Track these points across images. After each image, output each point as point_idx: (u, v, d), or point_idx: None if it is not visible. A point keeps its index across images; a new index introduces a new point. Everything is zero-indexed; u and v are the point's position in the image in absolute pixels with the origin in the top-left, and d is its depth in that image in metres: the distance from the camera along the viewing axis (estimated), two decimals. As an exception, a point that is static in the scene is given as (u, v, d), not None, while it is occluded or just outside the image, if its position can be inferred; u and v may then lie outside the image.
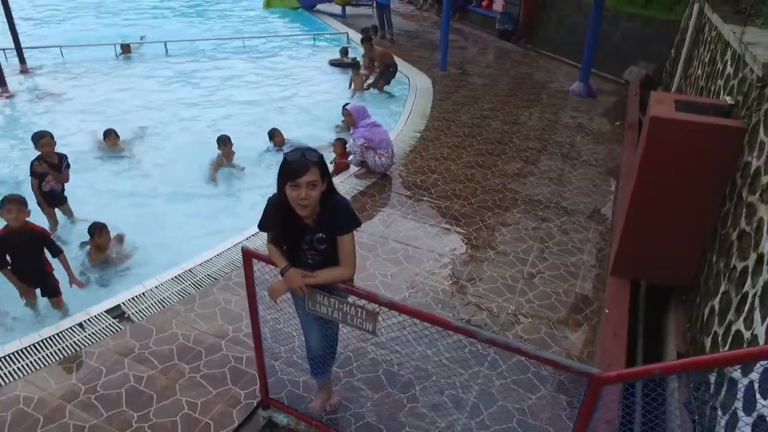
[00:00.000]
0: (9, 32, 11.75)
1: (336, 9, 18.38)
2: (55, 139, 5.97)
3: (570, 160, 7.65)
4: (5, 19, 11.65)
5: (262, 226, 2.91)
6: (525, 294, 4.85)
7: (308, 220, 2.78)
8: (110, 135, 8.15)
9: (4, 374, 3.87)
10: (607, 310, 4.41)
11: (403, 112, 9.41)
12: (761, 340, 2.83)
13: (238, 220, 6.16)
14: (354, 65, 11.49)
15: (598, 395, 2.31)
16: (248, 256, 3.07)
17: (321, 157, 2.65)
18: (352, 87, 11.01)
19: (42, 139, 5.81)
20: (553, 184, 6.88)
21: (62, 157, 6.05)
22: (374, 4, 16.31)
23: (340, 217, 2.78)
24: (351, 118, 6.81)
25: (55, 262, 4.93)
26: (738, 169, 4.00)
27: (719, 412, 3.08)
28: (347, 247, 2.81)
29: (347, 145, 7.20)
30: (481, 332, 2.49)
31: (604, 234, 5.81)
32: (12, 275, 4.67)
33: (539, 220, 6.06)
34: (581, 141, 8.33)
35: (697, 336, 3.95)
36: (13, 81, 11.01)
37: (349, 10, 18.20)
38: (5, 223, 4.53)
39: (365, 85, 11.07)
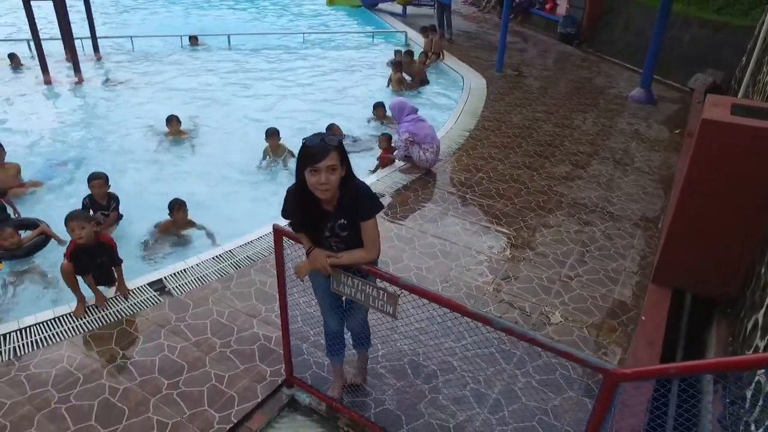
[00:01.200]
0: (87, 22, 12.48)
1: (397, 8, 18.47)
2: (109, 182, 5.94)
3: (622, 166, 7.41)
4: (84, 10, 12.37)
5: (284, 214, 2.96)
6: (560, 296, 4.75)
7: (329, 207, 2.81)
8: (172, 121, 8.49)
9: (53, 335, 4.12)
10: (643, 318, 4.26)
11: (455, 110, 9.38)
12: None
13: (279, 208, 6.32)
14: (395, 63, 11.50)
15: (613, 392, 2.25)
16: (279, 234, 3.16)
17: (340, 141, 2.66)
18: (391, 86, 11.08)
19: (94, 180, 5.80)
20: (601, 189, 6.70)
21: (112, 198, 6.01)
22: (435, 4, 16.31)
23: (361, 202, 2.79)
24: (381, 111, 6.91)
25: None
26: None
27: (753, 428, 2.94)
28: (370, 232, 2.83)
29: (393, 140, 7.24)
30: (497, 320, 2.47)
31: (650, 242, 5.61)
32: (92, 281, 4.49)
33: (582, 223, 5.91)
34: (636, 147, 8.06)
35: (738, 350, 3.76)
36: (86, 68, 11.65)
37: (410, 9, 18.26)
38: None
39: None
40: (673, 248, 4.48)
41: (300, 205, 2.83)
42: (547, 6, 17.02)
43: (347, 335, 3.56)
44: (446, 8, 14.91)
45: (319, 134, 2.66)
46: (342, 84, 11.57)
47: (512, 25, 16.71)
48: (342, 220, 2.85)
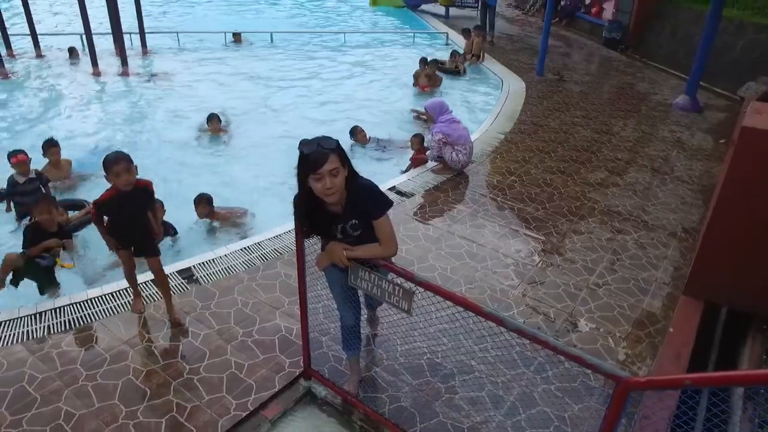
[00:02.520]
0: (136, 17, 12.90)
1: (440, 9, 18.44)
2: (164, 208, 5.67)
3: (660, 174, 7.21)
4: (134, 5, 12.79)
5: (296, 222, 3.01)
6: (587, 303, 4.65)
7: (337, 209, 2.81)
8: (213, 120, 8.63)
9: (86, 315, 4.28)
10: (671, 330, 4.13)
11: (491, 112, 9.30)
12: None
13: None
14: (423, 61, 11.45)
15: (625, 399, 2.20)
16: (300, 229, 3.19)
17: (337, 142, 2.64)
18: (418, 84, 11.05)
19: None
20: (636, 197, 6.53)
21: (168, 227, 5.74)
22: (479, 4, 16.19)
23: (370, 201, 2.79)
24: (360, 135, 6.99)
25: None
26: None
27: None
28: (385, 229, 2.83)
29: (426, 141, 7.22)
30: (510, 321, 2.44)
31: (686, 253, 5.44)
32: (111, 239, 4.02)
33: (615, 231, 5.77)
34: (676, 156, 7.82)
35: (771, 368, 3.61)
36: (133, 62, 12.04)
37: (452, 11, 18.19)
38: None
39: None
40: (707, 259, 4.33)
41: (308, 212, 2.85)
42: (593, 10, 16.67)
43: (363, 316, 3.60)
44: (490, 9, 14.82)
45: (314, 139, 2.63)
46: (381, 84, 11.61)
47: (557, 29, 16.50)
48: (354, 221, 2.86)
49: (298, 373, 3.80)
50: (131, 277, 4.30)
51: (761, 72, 10.71)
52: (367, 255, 2.87)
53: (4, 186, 6.09)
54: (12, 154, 5.83)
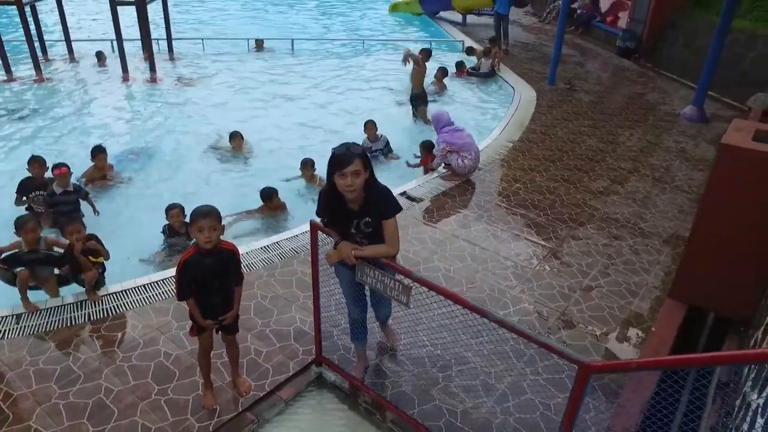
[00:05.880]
0: (164, 23, 13.49)
1: (457, 17, 18.79)
2: (185, 212, 6.07)
3: (661, 183, 7.52)
4: (162, 11, 13.37)
5: (318, 213, 3.47)
6: (579, 304, 5.02)
7: (354, 206, 3.28)
8: (236, 137, 8.68)
9: (123, 304, 4.77)
10: (653, 329, 4.48)
11: (502, 121, 9.65)
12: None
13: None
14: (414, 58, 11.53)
15: (586, 381, 2.58)
16: (314, 227, 3.63)
17: (363, 150, 3.18)
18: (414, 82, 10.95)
19: (172, 210, 6.10)
20: (635, 205, 6.86)
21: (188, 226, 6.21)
22: (494, 14, 16.52)
23: (384, 204, 3.27)
24: (308, 171, 7.61)
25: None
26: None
27: (734, 434, 3.17)
28: (391, 229, 3.28)
29: (434, 149, 7.61)
30: (492, 313, 2.84)
31: (677, 259, 5.75)
32: (196, 308, 3.59)
33: (612, 237, 6.12)
34: (678, 166, 8.12)
35: (740, 366, 3.94)
36: (161, 67, 12.61)
37: (469, 18, 18.54)
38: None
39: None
40: (690, 265, 4.67)
41: (330, 204, 3.30)
42: (608, 19, 16.92)
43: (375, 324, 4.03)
44: (504, 19, 15.14)
45: (345, 144, 3.16)
46: (396, 90, 12.00)
47: (572, 37, 16.77)
48: (367, 218, 3.31)
49: (310, 360, 4.23)
50: (206, 362, 3.83)
51: (771, 83, 10.92)
52: (374, 254, 3.30)
53: (20, 183, 6.52)
54: (55, 167, 6.30)
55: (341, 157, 3.08)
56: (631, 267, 5.61)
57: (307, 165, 7.66)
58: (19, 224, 4.77)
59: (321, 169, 7.97)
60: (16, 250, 4.85)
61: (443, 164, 7.31)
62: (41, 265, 4.90)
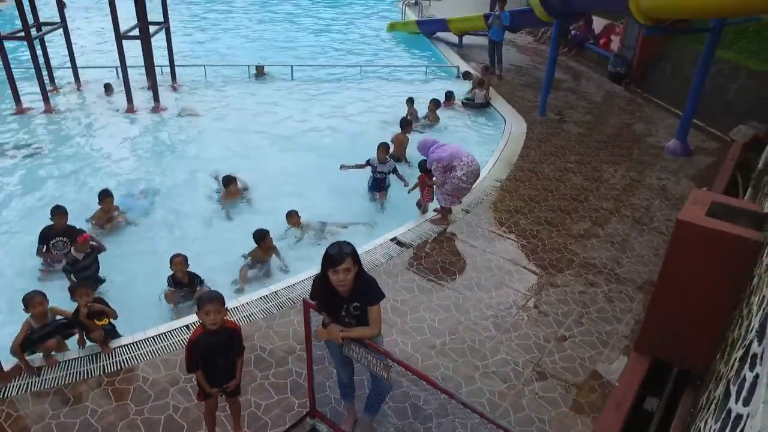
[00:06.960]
0: (167, 51, 13.93)
1: (454, 38, 19.21)
2: (188, 262, 6.42)
3: (639, 225, 7.96)
4: (165, 39, 13.81)
5: (312, 297, 3.93)
6: (552, 354, 5.46)
7: (345, 293, 3.73)
8: (231, 184, 8.69)
9: (134, 357, 5.23)
10: (617, 384, 4.92)
11: (491, 159, 10.04)
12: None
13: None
14: (409, 100, 12.26)
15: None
16: (307, 306, 4.07)
17: (353, 248, 3.63)
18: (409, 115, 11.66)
19: (175, 258, 6.35)
20: (613, 249, 7.30)
21: (194, 277, 6.46)
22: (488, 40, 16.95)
23: (370, 292, 3.75)
24: (294, 219, 7.90)
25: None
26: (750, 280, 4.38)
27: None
28: (374, 315, 3.74)
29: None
30: (457, 396, 3.29)
31: (647, 308, 6.20)
32: (203, 379, 4.08)
33: (588, 284, 6.56)
34: (658, 206, 8.56)
35: (692, 422, 4.38)
36: (164, 96, 13.05)
37: (465, 39, 18.94)
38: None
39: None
40: (653, 322, 5.10)
41: (323, 292, 3.75)
42: (601, 41, 17.33)
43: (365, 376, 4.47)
44: (497, 45, 15.56)
45: (337, 243, 3.61)
46: (393, 116, 12.31)
47: (566, 59, 17.19)
48: (356, 303, 3.76)
49: (305, 413, 4.68)
50: (212, 420, 4.34)
51: (754, 115, 11.34)
52: (359, 335, 3.75)
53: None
54: (78, 233, 6.75)
55: (335, 257, 3.52)
56: (604, 315, 6.06)
57: (293, 215, 7.92)
58: (27, 301, 5.10)
59: (315, 206, 8.47)
60: (29, 332, 5.07)
61: (443, 182, 7.50)
62: (54, 336, 5.24)
